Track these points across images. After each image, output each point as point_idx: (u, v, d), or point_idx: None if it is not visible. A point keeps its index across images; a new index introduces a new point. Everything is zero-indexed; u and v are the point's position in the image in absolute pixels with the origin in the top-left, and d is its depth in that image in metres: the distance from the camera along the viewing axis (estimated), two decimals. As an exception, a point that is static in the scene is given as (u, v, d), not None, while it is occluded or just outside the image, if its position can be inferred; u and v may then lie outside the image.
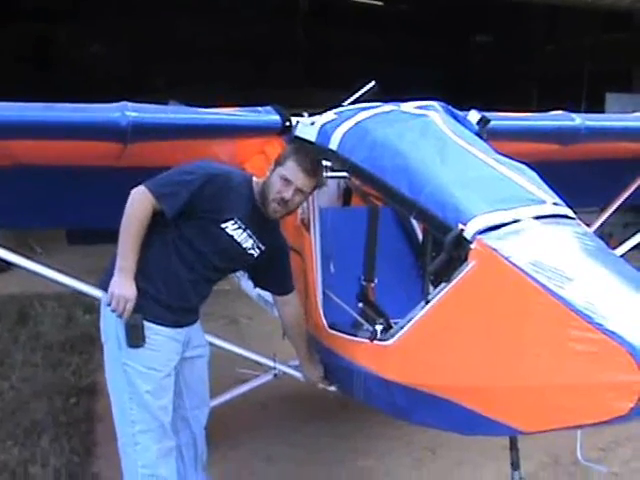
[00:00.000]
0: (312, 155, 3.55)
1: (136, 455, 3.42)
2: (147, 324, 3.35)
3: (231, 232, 3.41)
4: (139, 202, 3.29)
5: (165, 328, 3.42)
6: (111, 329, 3.40)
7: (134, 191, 3.30)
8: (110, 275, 3.37)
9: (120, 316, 3.31)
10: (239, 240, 3.45)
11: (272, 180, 3.44)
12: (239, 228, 3.43)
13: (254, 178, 3.56)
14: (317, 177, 3.55)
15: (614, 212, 5.60)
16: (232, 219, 3.40)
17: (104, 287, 3.44)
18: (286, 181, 3.42)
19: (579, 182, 4.92)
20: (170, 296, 3.42)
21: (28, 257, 4.14)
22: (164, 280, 3.40)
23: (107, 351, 3.46)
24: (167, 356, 3.45)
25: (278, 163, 3.47)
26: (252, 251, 3.53)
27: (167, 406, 3.47)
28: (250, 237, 3.48)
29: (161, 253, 3.39)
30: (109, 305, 3.33)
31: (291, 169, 3.42)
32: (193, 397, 3.69)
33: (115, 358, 3.40)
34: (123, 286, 3.30)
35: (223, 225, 3.40)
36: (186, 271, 3.42)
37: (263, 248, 3.56)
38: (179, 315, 3.48)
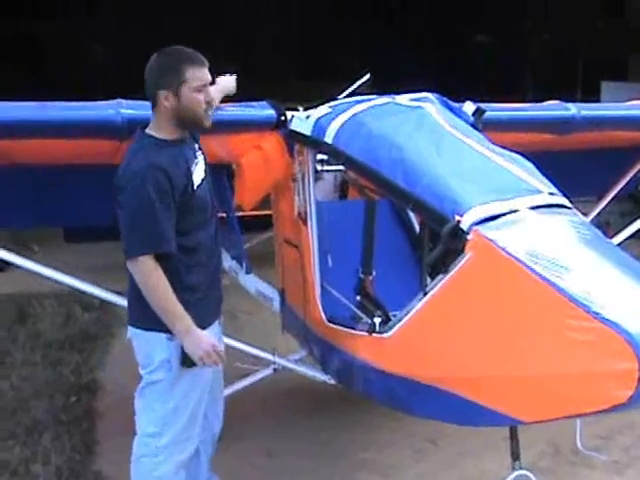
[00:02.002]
0: (183, 50, 3.33)
1: (154, 466, 3.40)
2: None
3: (197, 183, 3.32)
4: (148, 274, 3.17)
5: (209, 331, 3.38)
6: (156, 355, 3.31)
7: (135, 268, 3.17)
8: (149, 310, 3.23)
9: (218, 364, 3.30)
10: (202, 179, 3.37)
11: (189, 101, 3.23)
12: (197, 173, 3.34)
13: (146, 130, 3.33)
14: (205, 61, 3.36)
15: (611, 201, 5.60)
16: (190, 176, 3.29)
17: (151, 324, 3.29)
18: (202, 88, 3.27)
19: (575, 172, 4.91)
20: (210, 288, 3.41)
21: (26, 256, 4.13)
22: (199, 277, 3.35)
23: (147, 375, 3.36)
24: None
25: (176, 88, 3.22)
26: (207, 169, 3.47)
27: (201, 412, 3.48)
28: (198, 164, 3.39)
29: (186, 262, 3.31)
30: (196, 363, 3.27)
31: (194, 74, 3.24)
32: (215, 390, 3.64)
33: (157, 380, 3.33)
34: (200, 343, 3.20)
35: (195, 187, 3.30)
36: (209, 252, 3.40)
37: (204, 160, 3.49)
38: (214, 307, 3.50)
